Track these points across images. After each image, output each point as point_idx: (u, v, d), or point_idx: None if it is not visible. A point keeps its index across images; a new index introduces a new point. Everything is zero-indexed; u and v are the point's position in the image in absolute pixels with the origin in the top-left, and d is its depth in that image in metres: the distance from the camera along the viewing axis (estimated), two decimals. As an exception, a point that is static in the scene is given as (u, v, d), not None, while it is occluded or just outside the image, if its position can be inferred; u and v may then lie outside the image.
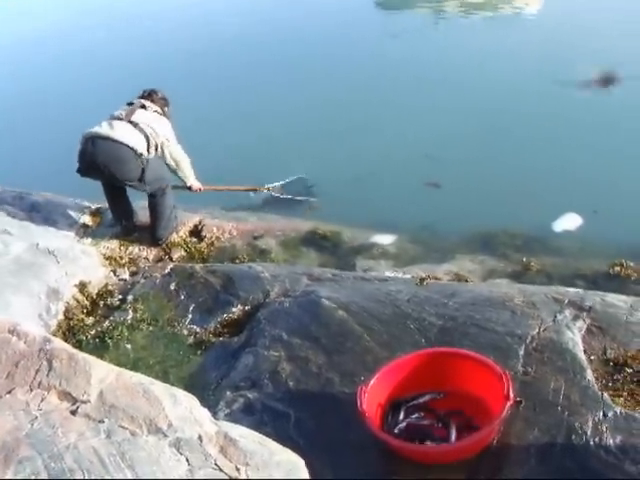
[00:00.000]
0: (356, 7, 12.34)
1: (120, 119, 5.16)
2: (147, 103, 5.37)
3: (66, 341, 3.92)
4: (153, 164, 5.22)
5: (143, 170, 5.13)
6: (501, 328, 3.75)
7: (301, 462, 2.63)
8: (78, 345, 4.25)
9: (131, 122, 5.15)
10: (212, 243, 5.78)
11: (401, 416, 3.30)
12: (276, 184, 6.92)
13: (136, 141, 5.08)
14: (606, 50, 8.68)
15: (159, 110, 5.42)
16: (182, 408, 2.66)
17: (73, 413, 2.60)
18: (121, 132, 5.05)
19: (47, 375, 2.75)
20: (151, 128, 5.18)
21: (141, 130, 5.13)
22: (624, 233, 5.54)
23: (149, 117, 5.27)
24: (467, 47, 9.75)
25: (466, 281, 4.93)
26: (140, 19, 13.35)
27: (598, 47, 8.84)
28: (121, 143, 5.03)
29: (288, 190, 6.95)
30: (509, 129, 7.43)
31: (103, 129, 5.10)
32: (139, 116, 5.22)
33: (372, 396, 3.26)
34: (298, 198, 6.86)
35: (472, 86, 8.40)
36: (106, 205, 5.83)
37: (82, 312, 4.77)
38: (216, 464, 2.44)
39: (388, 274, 5.02)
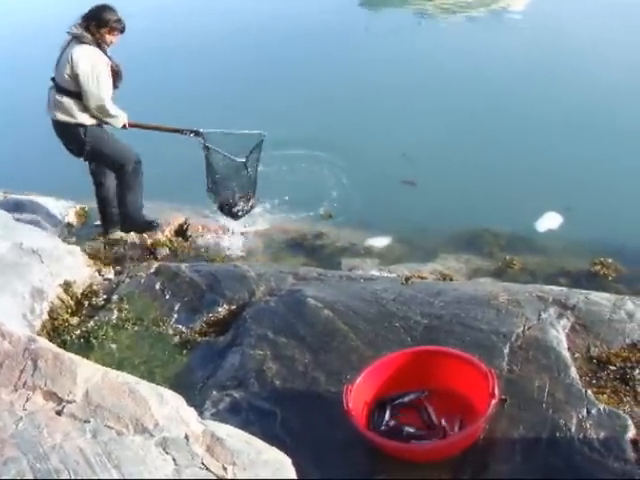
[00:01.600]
0: (339, 6, 12.31)
1: None
2: None
3: (51, 341, 3.88)
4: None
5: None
6: (486, 326, 3.77)
7: (288, 461, 2.63)
8: (63, 345, 4.22)
9: None
10: (197, 242, 5.77)
11: (387, 415, 3.31)
12: (217, 130, 5.75)
13: None
14: (587, 52, 8.76)
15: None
16: (168, 408, 2.66)
17: (59, 413, 2.58)
18: None
19: (32, 375, 2.73)
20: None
21: None
22: (604, 231, 5.60)
23: None
24: (449, 47, 9.78)
25: (451, 280, 4.95)
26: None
27: (579, 48, 8.92)
28: None
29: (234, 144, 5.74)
30: (490, 129, 7.47)
31: None
32: None
33: (358, 395, 3.26)
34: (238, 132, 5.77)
35: (453, 86, 8.44)
36: (91, 205, 5.82)
37: (67, 312, 4.73)
38: (203, 463, 2.44)
39: (374, 273, 5.03)
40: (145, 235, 5.72)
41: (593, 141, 6.95)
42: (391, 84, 8.68)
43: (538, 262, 5.44)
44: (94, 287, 4.96)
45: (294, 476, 2.61)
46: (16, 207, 5.90)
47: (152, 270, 5.03)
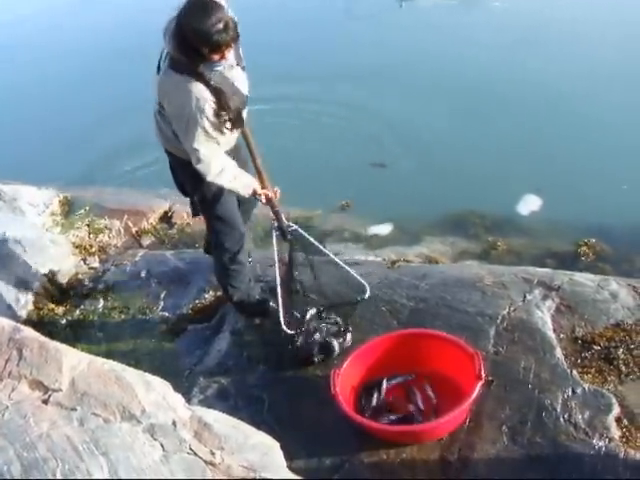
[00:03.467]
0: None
1: None
2: None
3: (37, 331, 3.87)
4: None
5: None
6: (472, 309, 3.79)
7: (276, 444, 2.64)
8: (49, 335, 4.16)
9: None
10: (182, 229, 5.76)
11: (374, 399, 3.33)
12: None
13: None
14: (565, 37, 8.77)
15: None
16: (155, 394, 2.66)
17: (45, 402, 2.57)
18: None
19: (17, 364, 2.71)
20: None
21: None
22: (587, 212, 5.63)
23: None
24: (428, 29, 9.69)
25: (437, 263, 4.97)
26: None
27: (557, 33, 8.92)
28: None
29: None
30: (467, 111, 7.43)
31: None
32: None
33: (345, 379, 3.28)
34: None
35: (432, 69, 8.38)
36: (75, 193, 5.77)
37: (52, 302, 4.72)
38: (191, 449, 2.45)
39: (359, 257, 5.03)
40: (130, 223, 5.69)
41: (571, 123, 6.94)
42: (369, 66, 8.64)
43: (523, 244, 5.47)
44: (79, 276, 4.94)
45: (282, 459, 2.62)
46: (-1, 196, 5.85)
47: (137, 258, 5.01)
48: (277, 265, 3.60)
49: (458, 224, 5.83)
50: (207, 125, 3.21)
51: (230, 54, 3.21)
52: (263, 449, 2.57)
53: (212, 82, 3.18)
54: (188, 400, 3.07)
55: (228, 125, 3.31)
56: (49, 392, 2.61)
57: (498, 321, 3.67)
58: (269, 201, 3.69)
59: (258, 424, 2.86)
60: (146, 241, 5.56)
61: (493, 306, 3.78)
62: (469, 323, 3.69)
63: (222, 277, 3.96)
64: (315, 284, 3.98)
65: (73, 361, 2.73)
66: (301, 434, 3.30)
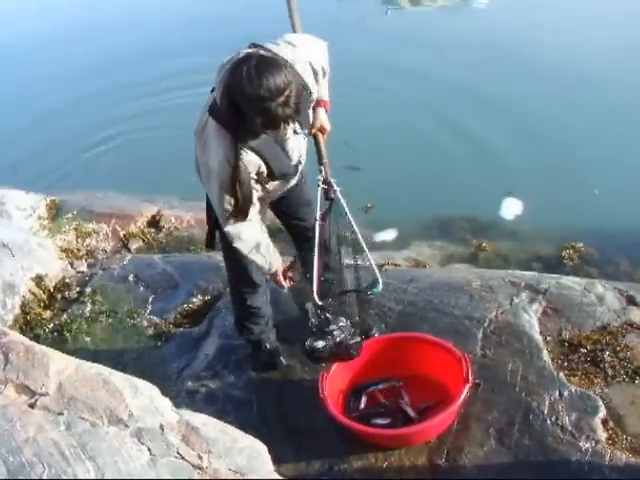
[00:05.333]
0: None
1: None
2: None
3: (23, 335, 3.85)
4: None
5: None
6: (459, 312, 3.80)
7: (263, 448, 2.65)
8: (36, 339, 4.18)
9: None
10: (170, 233, 5.75)
11: (362, 403, 3.34)
12: None
13: None
14: (550, 41, 8.83)
15: None
16: (143, 398, 2.65)
17: (31, 406, 2.57)
18: None
19: (4, 369, 2.70)
20: None
21: None
22: (572, 215, 5.68)
23: None
24: (413, 35, 9.75)
25: (425, 267, 4.98)
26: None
27: (542, 37, 8.98)
28: None
29: None
30: (449, 116, 7.47)
31: None
32: None
33: (333, 382, 3.28)
34: None
35: (415, 73, 8.42)
36: (62, 197, 5.75)
37: (39, 306, 4.69)
38: (178, 453, 2.45)
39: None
40: (117, 227, 5.67)
41: (552, 126, 7.03)
42: (352, 71, 8.67)
43: (510, 247, 5.50)
44: (67, 280, 4.91)
45: (270, 463, 2.63)
46: (-15, 201, 5.81)
47: (125, 262, 5.00)
48: (318, 223, 3.19)
49: (445, 228, 5.85)
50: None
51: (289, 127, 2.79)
52: (251, 453, 2.57)
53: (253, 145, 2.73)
54: (176, 404, 3.05)
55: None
56: (36, 396, 2.60)
57: (485, 324, 3.69)
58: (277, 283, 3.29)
59: (246, 428, 2.86)
60: (134, 245, 5.54)
61: (480, 309, 3.80)
62: (457, 326, 3.71)
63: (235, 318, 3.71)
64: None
65: (60, 365, 2.72)
66: (289, 438, 3.30)
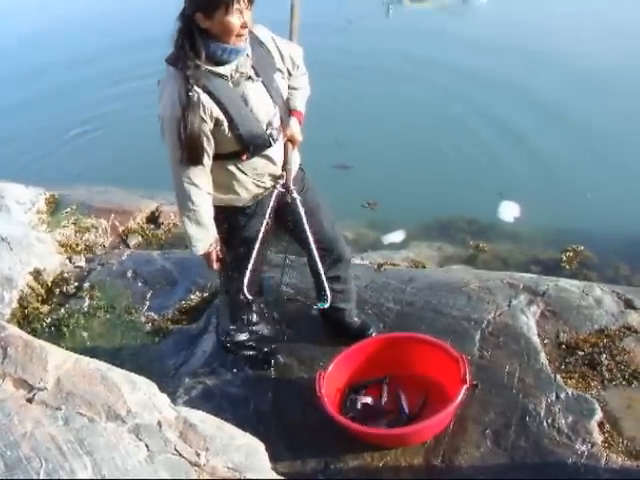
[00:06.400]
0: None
1: None
2: None
3: (21, 329, 3.85)
4: None
5: None
6: (458, 313, 3.81)
7: (261, 446, 2.65)
8: (33, 333, 4.17)
9: None
10: (169, 230, 5.74)
11: (359, 403, 3.34)
12: None
13: None
14: (548, 41, 8.84)
15: None
16: (141, 394, 2.65)
17: (29, 401, 2.56)
18: None
19: (2, 363, 2.70)
20: None
21: None
22: (572, 218, 5.69)
23: None
24: (413, 33, 9.75)
25: (423, 267, 4.99)
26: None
27: (540, 38, 9.00)
28: None
29: None
30: (446, 117, 7.49)
31: None
32: None
33: (331, 381, 3.29)
34: None
35: (414, 74, 8.43)
36: (61, 191, 5.74)
37: (37, 300, 4.68)
38: (176, 449, 2.45)
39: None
40: (116, 222, 5.66)
41: (552, 130, 7.04)
42: (349, 70, 8.66)
43: (509, 249, 5.51)
44: (65, 275, 4.91)
45: (267, 461, 2.63)
46: (-16, 194, 5.81)
47: (124, 257, 4.99)
48: (266, 221, 3.05)
49: (445, 230, 5.86)
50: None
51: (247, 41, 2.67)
52: (248, 450, 2.57)
53: (202, 85, 2.63)
54: (173, 401, 3.06)
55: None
56: (34, 391, 2.60)
57: (483, 325, 3.69)
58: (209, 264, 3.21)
59: (243, 425, 2.86)
60: (133, 241, 5.53)
61: (479, 310, 3.80)
62: (455, 327, 3.71)
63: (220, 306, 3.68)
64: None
65: (58, 360, 2.72)
66: (286, 436, 3.30)
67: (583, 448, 2.99)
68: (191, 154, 2.73)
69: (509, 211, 5.97)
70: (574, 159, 6.55)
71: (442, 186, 6.29)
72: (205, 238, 3.04)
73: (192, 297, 4.44)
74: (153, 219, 5.84)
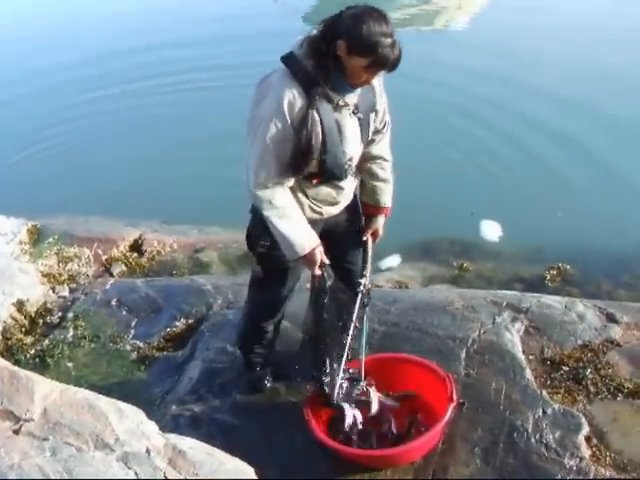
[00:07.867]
0: (283, 21, 12.22)
1: None
2: None
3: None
4: None
5: None
6: (442, 332, 3.83)
7: (251, 470, 2.64)
8: (17, 365, 4.12)
9: None
10: (153, 257, 5.74)
11: (346, 425, 3.32)
12: None
13: None
14: (527, 65, 8.99)
15: None
16: (129, 422, 2.64)
17: (16, 432, 2.55)
18: None
19: (-13, 394, 2.69)
20: None
21: None
22: (553, 236, 5.76)
23: None
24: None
25: (407, 287, 5.01)
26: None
27: (519, 61, 9.15)
28: None
29: None
30: (426, 138, 7.58)
31: None
32: None
33: (319, 404, 3.28)
34: None
35: (398, 96, 8.52)
36: (43, 221, 5.74)
37: (20, 331, 4.64)
38: (165, 477, 2.43)
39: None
40: (100, 251, 5.66)
41: (531, 149, 7.15)
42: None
43: (492, 268, 5.55)
44: (48, 305, 4.88)
45: (257, 485, 2.62)
46: (-35, 226, 5.78)
47: (108, 286, 4.98)
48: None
49: (428, 250, 5.90)
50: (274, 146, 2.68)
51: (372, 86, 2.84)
52: (238, 474, 2.56)
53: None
54: (161, 429, 3.04)
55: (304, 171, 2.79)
56: (20, 422, 2.59)
57: (468, 344, 3.72)
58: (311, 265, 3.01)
59: (232, 451, 2.84)
60: (116, 269, 5.53)
61: (463, 329, 3.83)
62: (440, 346, 3.73)
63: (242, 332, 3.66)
64: None
65: (45, 390, 2.71)
66: (275, 460, 3.29)
67: (571, 463, 3.01)
68: (299, 165, 2.73)
69: (491, 230, 6.03)
70: (554, 177, 6.63)
71: (424, 208, 6.32)
72: (303, 236, 2.86)
73: (177, 324, 4.44)
74: (136, 247, 5.84)
